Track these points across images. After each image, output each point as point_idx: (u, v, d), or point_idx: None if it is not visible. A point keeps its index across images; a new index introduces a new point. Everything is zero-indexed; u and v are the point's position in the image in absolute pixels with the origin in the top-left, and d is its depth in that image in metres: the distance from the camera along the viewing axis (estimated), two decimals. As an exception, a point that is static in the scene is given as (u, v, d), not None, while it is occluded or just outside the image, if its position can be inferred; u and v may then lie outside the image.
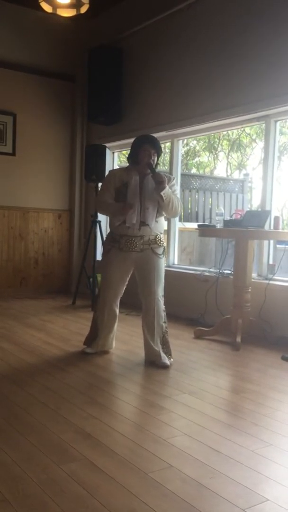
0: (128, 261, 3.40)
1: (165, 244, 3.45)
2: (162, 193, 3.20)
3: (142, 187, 3.32)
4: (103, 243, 3.63)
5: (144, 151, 3.29)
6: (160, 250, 3.39)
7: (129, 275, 3.49)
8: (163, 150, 3.89)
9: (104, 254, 3.52)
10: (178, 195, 3.41)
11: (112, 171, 3.69)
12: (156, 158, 3.33)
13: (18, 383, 2.89)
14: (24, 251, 6.21)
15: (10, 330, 4.26)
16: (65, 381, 2.96)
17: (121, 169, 3.48)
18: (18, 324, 4.51)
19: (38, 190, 6.26)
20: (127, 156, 3.58)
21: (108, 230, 3.65)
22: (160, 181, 3.21)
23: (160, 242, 3.40)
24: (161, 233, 3.44)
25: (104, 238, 3.75)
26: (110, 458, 2.01)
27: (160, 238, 3.41)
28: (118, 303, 3.54)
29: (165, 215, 3.43)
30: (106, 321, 3.52)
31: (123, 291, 3.53)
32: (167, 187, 3.24)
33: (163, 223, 3.46)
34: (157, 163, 3.38)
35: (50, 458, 1.98)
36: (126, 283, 3.51)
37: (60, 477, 1.84)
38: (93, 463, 1.95)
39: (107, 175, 3.56)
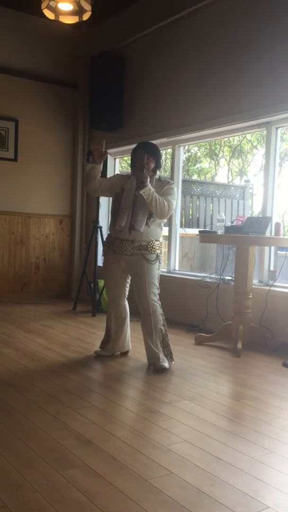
0: (122, 263, 3.44)
1: (159, 252, 3.44)
2: (141, 192, 3.24)
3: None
4: (103, 245, 3.68)
5: (138, 157, 3.40)
6: (151, 257, 3.39)
7: (128, 276, 3.53)
8: (164, 156, 3.91)
9: (103, 256, 3.61)
10: (175, 200, 3.43)
11: (118, 174, 3.86)
12: (151, 162, 3.39)
13: (18, 389, 2.89)
14: (25, 257, 6.21)
15: (11, 335, 4.26)
16: (65, 386, 2.96)
17: (126, 176, 3.55)
18: (18, 329, 4.51)
19: (40, 195, 6.28)
20: (128, 162, 3.65)
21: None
22: (140, 181, 3.27)
23: (152, 249, 3.38)
24: (157, 240, 3.43)
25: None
26: (110, 464, 2.00)
27: (154, 245, 3.40)
28: (124, 304, 3.59)
29: (156, 218, 3.39)
30: (114, 323, 3.58)
31: (126, 291, 3.58)
32: (149, 186, 3.26)
33: (157, 230, 3.44)
34: (156, 167, 3.44)
35: (49, 464, 1.98)
36: (128, 282, 3.55)
37: (60, 483, 1.83)
38: (93, 469, 1.94)
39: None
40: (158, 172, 3.54)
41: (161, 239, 3.52)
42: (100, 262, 5.59)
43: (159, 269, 3.48)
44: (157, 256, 3.44)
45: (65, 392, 2.85)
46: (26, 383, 3.00)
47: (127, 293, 3.60)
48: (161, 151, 3.63)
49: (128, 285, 3.58)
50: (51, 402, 2.69)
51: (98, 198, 5.56)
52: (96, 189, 3.52)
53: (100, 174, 3.49)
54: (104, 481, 1.86)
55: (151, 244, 3.40)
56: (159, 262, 3.47)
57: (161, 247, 3.49)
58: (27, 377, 3.13)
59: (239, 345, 3.85)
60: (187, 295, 4.97)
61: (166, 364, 3.36)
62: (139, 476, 1.91)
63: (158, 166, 3.47)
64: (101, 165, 3.47)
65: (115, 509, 1.68)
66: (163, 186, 3.41)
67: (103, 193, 3.67)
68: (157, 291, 3.44)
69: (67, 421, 2.42)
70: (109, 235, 3.53)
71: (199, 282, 4.86)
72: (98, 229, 5.49)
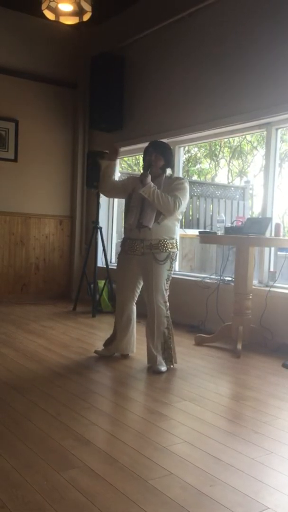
0: (132, 264, 3.44)
1: (172, 250, 3.36)
2: (141, 191, 3.25)
3: None
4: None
5: (147, 155, 3.44)
6: (161, 256, 3.32)
7: (139, 278, 3.49)
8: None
9: (117, 257, 3.63)
10: (185, 196, 3.34)
11: (131, 176, 3.96)
12: (159, 159, 3.40)
13: (18, 389, 2.89)
14: (25, 257, 6.21)
15: (11, 336, 4.26)
16: (65, 387, 2.96)
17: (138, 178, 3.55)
18: (18, 330, 4.51)
19: (40, 196, 6.28)
20: (128, 162, 3.69)
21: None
22: (139, 180, 3.30)
23: (163, 248, 3.32)
24: (171, 238, 3.36)
25: (106, 244, 3.85)
26: (110, 465, 2.00)
27: (165, 243, 3.33)
28: (132, 307, 3.58)
29: (163, 214, 3.34)
30: (119, 324, 3.59)
31: (135, 295, 3.56)
32: (148, 185, 3.25)
33: (169, 228, 3.37)
34: (166, 165, 3.45)
35: (50, 465, 1.98)
36: (138, 286, 3.53)
37: (60, 484, 1.83)
38: (93, 470, 1.94)
39: None
40: (169, 171, 3.52)
41: (175, 236, 3.41)
42: (100, 263, 5.60)
43: (171, 269, 3.39)
44: (168, 255, 3.34)
45: (65, 393, 2.85)
46: (26, 383, 3.00)
47: (136, 297, 3.58)
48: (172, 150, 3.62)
49: (138, 290, 3.55)
50: (51, 403, 2.69)
51: (98, 199, 5.56)
52: (110, 189, 3.58)
53: (114, 174, 3.55)
54: (104, 482, 1.86)
55: (162, 242, 3.32)
56: (171, 262, 3.37)
57: (175, 245, 3.39)
58: (27, 378, 3.13)
59: (239, 346, 3.85)
60: (187, 296, 4.97)
61: (163, 368, 3.35)
62: (139, 477, 1.91)
63: (168, 164, 3.47)
64: (116, 162, 3.57)
65: (115, 510, 1.68)
66: (173, 182, 3.39)
67: (117, 195, 3.72)
68: (165, 293, 3.40)
69: (67, 422, 2.42)
70: (123, 237, 3.56)
71: (199, 283, 4.86)
72: (98, 230, 5.49)
